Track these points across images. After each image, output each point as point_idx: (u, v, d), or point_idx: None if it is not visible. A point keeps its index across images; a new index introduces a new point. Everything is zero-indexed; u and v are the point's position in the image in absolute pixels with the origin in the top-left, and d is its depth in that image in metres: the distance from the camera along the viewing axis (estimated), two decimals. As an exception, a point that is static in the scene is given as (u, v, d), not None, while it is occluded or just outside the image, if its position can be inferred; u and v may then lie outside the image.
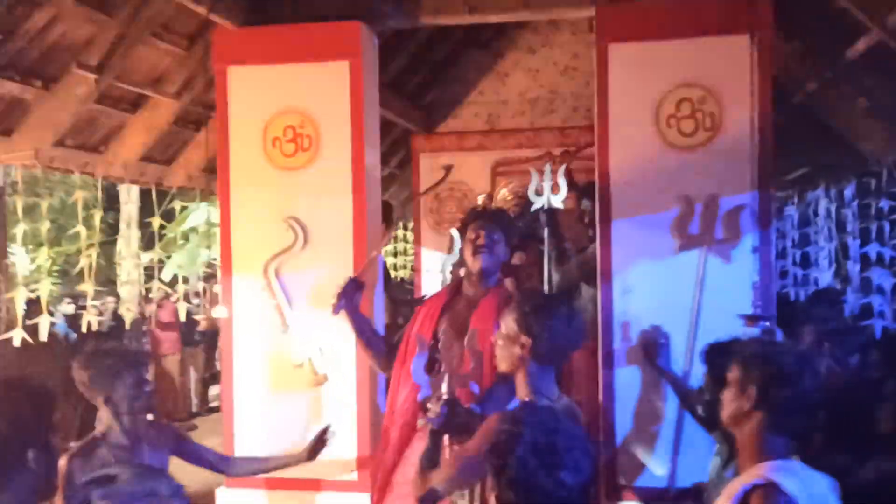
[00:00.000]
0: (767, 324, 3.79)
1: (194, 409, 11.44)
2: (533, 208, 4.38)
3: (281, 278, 4.29)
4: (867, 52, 3.98)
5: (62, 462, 2.87)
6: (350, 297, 3.55)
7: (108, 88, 4.47)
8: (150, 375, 3.46)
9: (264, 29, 4.30)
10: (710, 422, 2.80)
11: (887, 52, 3.83)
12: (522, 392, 2.61)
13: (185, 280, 9.56)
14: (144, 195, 9.19)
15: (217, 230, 11.02)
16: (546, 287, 4.38)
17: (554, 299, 2.74)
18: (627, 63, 4.02)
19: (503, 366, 2.69)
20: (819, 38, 4.40)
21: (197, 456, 3.50)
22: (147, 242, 11.41)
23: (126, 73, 4.52)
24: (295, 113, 4.26)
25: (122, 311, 9.35)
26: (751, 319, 3.76)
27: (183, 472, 3.30)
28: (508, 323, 2.66)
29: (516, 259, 4.72)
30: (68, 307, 9.08)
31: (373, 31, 4.35)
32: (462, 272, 3.55)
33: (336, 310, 3.51)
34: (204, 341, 11.45)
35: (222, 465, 3.60)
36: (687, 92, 3.94)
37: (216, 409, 11.33)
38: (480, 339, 2.89)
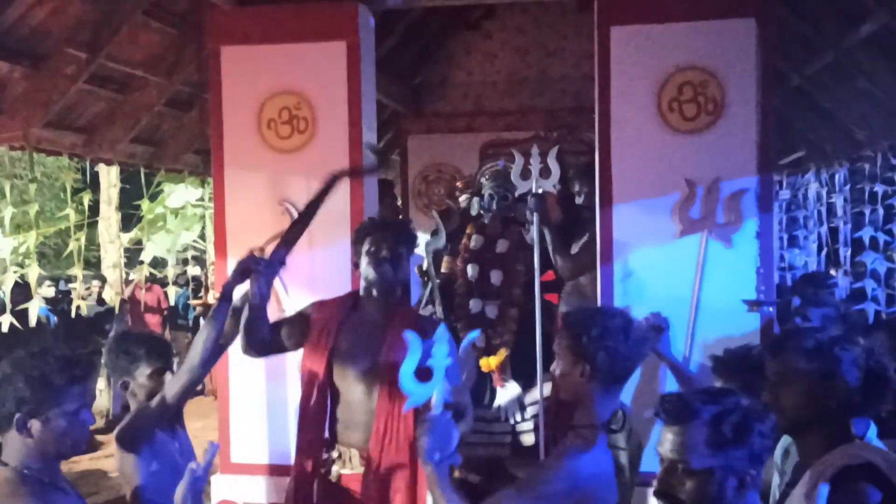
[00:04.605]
0: (771, 309, 3.80)
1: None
2: (518, 192, 4.33)
3: (276, 262, 4.22)
4: (871, 35, 3.97)
5: None
6: (272, 266, 3.14)
7: (98, 68, 4.36)
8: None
9: (259, 8, 4.22)
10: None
11: (892, 35, 3.82)
12: (586, 420, 2.38)
13: (164, 263, 9.47)
14: (126, 177, 9.06)
15: (197, 212, 10.91)
16: (537, 272, 4.33)
17: (606, 314, 2.45)
18: (629, 46, 3.97)
19: (566, 396, 2.47)
20: (821, 21, 4.38)
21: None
22: (126, 225, 11.29)
23: (116, 53, 4.42)
24: (290, 94, 4.19)
25: (107, 294, 9.22)
26: (754, 304, 3.76)
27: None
28: (563, 351, 2.41)
29: (500, 246, 4.69)
30: (49, 290, 8.94)
31: (369, 10, 4.27)
32: (361, 283, 3.24)
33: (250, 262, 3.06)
34: (188, 325, 11.34)
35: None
36: (689, 75, 3.91)
37: (199, 392, 11.25)
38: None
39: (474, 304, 4.59)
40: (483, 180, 4.82)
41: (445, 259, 4.79)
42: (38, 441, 2.14)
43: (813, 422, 2.11)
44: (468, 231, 4.77)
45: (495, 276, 4.59)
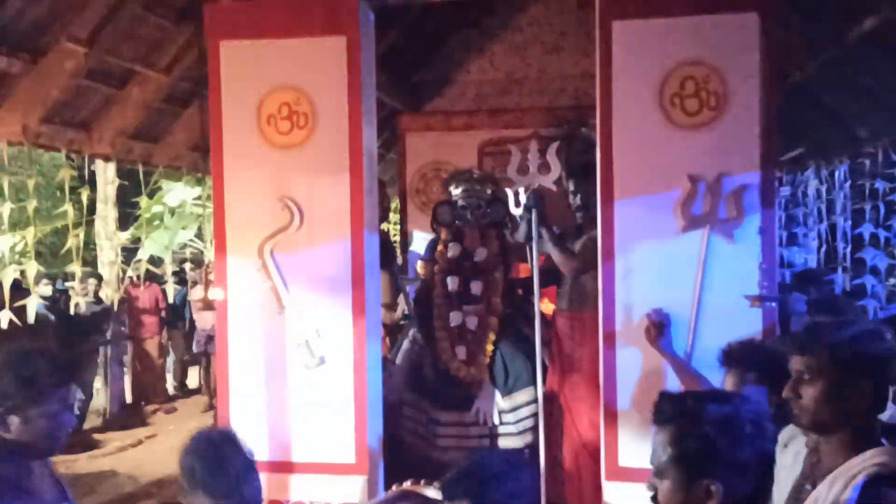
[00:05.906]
0: (773, 304, 3.79)
1: (172, 391, 11.34)
2: (515, 187, 4.34)
3: (276, 259, 4.21)
4: (873, 31, 3.96)
5: None
6: None
7: (96, 63, 4.34)
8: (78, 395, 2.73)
9: (258, 3, 4.20)
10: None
11: (894, 31, 3.81)
12: None
13: (162, 261, 9.44)
14: (124, 174, 9.03)
15: (195, 210, 10.85)
16: (535, 274, 4.32)
17: (490, 462, 2.22)
18: (631, 41, 3.94)
19: None
20: (823, 16, 4.37)
21: None
22: (123, 223, 11.27)
23: (115, 48, 4.40)
24: (290, 89, 4.16)
25: (104, 293, 9.20)
26: (756, 300, 3.75)
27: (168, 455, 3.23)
28: None
29: (479, 255, 4.68)
30: (46, 288, 8.89)
31: (369, 6, 4.26)
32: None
33: None
34: (184, 325, 11.31)
35: None
36: (691, 70, 3.89)
37: (196, 392, 11.23)
38: None
39: (455, 317, 4.61)
40: (453, 189, 4.81)
41: (422, 263, 4.81)
42: (13, 438, 2.13)
43: (839, 420, 2.04)
44: (443, 237, 4.77)
45: (475, 287, 4.61)
